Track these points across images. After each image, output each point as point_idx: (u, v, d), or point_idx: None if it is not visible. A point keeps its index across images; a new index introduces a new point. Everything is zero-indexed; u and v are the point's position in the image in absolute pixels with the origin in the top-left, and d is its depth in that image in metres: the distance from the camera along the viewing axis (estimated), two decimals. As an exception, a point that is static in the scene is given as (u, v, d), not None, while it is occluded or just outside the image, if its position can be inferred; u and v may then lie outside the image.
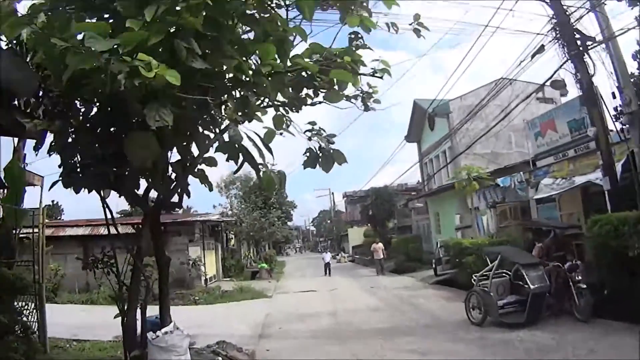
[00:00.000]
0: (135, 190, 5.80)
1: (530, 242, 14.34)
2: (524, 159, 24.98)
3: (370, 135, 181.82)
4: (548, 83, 13.98)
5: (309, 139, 5.12)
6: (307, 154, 5.24)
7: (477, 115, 30.23)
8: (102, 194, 5.78)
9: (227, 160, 4.85)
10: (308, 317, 13.69)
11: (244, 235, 32.15)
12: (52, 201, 65.73)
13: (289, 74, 4.78)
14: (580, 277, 10.76)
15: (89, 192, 5.47)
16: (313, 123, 5.17)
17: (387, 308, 14.39)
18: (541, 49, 14.52)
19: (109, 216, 6.35)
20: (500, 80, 33.64)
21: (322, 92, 5.14)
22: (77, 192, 5.51)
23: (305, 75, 4.85)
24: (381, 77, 5.28)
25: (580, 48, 13.21)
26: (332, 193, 73.14)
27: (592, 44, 13.24)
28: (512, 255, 11.48)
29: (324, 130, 5.18)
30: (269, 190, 5.29)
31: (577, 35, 13.35)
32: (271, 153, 4.95)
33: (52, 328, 10.86)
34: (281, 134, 5.06)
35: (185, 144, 5.06)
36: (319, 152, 5.15)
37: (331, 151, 5.12)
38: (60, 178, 5.42)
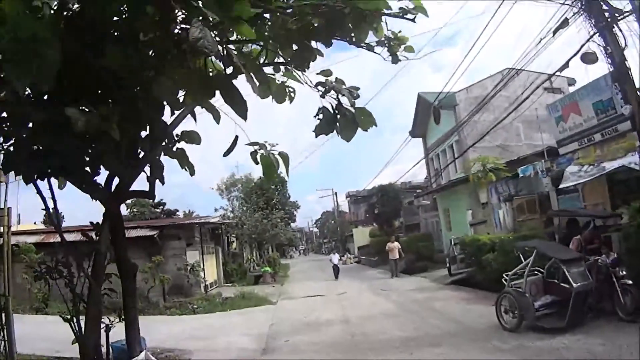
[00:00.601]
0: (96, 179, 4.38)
1: (563, 235, 12.98)
2: (533, 151, 23.96)
3: (370, 135, 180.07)
4: (578, 57, 12.57)
5: (322, 95, 3.73)
6: (320, 116, 3.86)
7: (484, 107, 29.60)
8: (51, 184, 4.40)
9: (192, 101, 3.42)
10: (317, 326, 12.30)
11: (245, 238, 30.68)
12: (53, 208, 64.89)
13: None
14: (624, 272, 9.48)
15: (37, 178, 4.14)
16: (328, 73, 3.77)
17: (405, 313, 12.99)
18: (564, 22, 13.21)
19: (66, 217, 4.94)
20: (507, 71, 33.19)
21: (338, 38, 3.83)
22: (26, 181, 4.24)
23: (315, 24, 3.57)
24: (413, 20, 3.96)
25: (609, 19, 11.95)
26: (335, 193, 71.78)
27: (621, 16, 12.01)
28: (549, 250, 10.11)
29: (344, 82, 3.78)
30: (269, 177, 3.86)
31: (605, 7, 12.12)
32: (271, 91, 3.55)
33: (36, 344, 9.88)
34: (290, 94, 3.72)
35: (151, 108, 3.65)
36: (336, 112, 3.76)
37: (354, 110, 3.75)
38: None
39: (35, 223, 47.37)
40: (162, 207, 56.81)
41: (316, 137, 3.93)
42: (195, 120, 4.43)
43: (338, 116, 3.74)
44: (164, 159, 4.55)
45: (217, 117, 3.61)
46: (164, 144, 4.26)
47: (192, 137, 4.27)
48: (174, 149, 4.36)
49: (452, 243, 20.70)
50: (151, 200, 52.03)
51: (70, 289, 4.62)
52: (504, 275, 10.55)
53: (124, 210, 46.55)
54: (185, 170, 4.38)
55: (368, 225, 55.53)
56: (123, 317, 4.85)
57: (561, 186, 15.27)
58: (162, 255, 20.14)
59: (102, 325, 5.19)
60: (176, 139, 4.32)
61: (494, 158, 20.23)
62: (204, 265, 21.30)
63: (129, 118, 3.29)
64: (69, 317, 4.77)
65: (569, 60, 13.79)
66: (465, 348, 8.69)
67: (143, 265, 17.91)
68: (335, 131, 3.80)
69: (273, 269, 29.82)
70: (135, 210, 48.64)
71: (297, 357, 9.31)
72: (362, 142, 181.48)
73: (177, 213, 55.84)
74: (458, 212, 27.62)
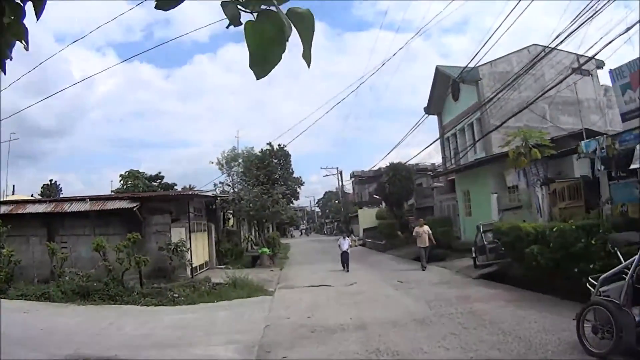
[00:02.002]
0: None
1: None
2: (559, 134, 21.47)
3: (374, 120, 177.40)
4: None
5: None
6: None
7: (507, 83, 27.44)
8: None
9: None
10: (326, 333, 9.28)
11: (243, 215, 27.66)
12: (50, 180, 62.10)
13: None
14: None
15: None
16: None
17: (439, 319, 9.99)
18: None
19: None
20: (533, 47, 30.84)
21: None
22: None
23: None
24: None
25: None
26: (341, 172, 68.83)
27: None
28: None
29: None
30: (265, 62, 0.93)
31: None
32: None
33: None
34: None
35: None
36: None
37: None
38: None
39: (32, 195, 44.62)
40: (159, 180, 53.71)
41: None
42: None
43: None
44: None
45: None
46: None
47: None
48: None
49: (481, 230, 17.81)
50: (145, 172, 49.25)
51: None
52: (590, 279, 7.63)
53: (116, 182, 43.74)
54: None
55: (373, 207, 52.85)
56: None
57: (632, 167, 12.30)
58: (145, 231, 17.37)
59: None
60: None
61: (539, 132, 17.21)
62: (191, 244, 18.34)
63: None
64: None
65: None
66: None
67: (118, 244, 15.17)
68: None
69: (272, 250, 26.91)
70: (129, 182, 45.46)
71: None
72: (365, 125, 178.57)
73: (175, 187, 52.62)
74: (480, 196, 24.74)
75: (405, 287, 14.87)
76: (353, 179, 76.98)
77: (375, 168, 61.99)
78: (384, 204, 48.72)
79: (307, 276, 19.68)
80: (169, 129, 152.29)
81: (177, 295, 13.66)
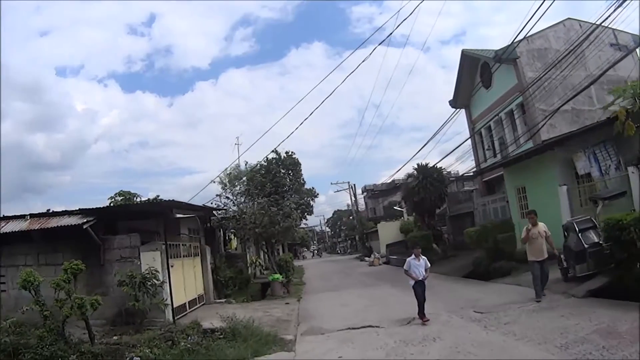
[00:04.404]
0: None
1: None
2: (608, 116, 17.21)
3: (378, 137, 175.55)
4: None
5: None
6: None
7: (545, 61, 24.84)
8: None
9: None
10: None
11: (247, 233, 22.40)
12: (48, 210, 56.94)
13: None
14: None
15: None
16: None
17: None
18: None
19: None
20: (568, 21, 27.94)
21: None
22: None
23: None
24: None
25: None
26: (354, 185, 63.80)
27: None
28: None
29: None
30: None
31: None
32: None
33: None
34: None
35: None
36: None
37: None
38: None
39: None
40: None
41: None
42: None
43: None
44: None
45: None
46: None
47: None
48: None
49: (577, 230, 12.77)
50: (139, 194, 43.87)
51: None
52: None
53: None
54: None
55: (391, 220, 48.08)
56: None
57: None
58: (105, 258, 12.38)
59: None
60: None
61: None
62: (169, 275, 12.94)
63: None
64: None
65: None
66: None
67: (57, 278, 10.12)
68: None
69: (285, 275, 21.64)
70: (119, 203, 39.89)
71: None
72: (372, 142, 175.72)
73: (174, 210, 47.43)
74: (542, 191, 19.64)
75: (495, 323, 9.54)
76: (365, 193, 72.57)
77: (389, 181, 57.31)
78: (406, 215, 43.76)
79: (336, 310, 14.30)
80: (173, 157, 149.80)
81: (138, 358, 8.53)
